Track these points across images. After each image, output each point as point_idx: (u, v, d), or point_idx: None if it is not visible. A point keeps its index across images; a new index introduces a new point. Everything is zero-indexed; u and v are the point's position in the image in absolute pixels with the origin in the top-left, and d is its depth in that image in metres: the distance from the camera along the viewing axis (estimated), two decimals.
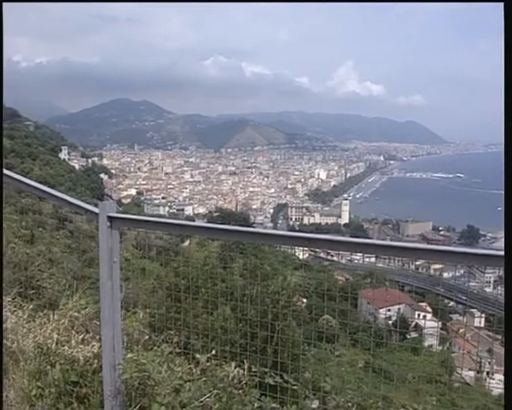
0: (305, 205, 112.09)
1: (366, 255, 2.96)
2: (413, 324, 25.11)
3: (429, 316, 24.17)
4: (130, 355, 3.28)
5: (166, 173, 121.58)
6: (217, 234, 3.31)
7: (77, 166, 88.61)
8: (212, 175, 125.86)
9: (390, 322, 25.78)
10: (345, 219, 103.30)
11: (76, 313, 4.04)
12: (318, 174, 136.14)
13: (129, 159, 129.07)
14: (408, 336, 23.04)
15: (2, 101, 3.07)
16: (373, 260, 3.26)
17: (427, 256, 2.61)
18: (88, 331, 3.89)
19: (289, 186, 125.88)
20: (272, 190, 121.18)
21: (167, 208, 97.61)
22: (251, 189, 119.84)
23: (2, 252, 3.26)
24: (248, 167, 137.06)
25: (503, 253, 1.92)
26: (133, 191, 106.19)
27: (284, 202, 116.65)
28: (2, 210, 3.28)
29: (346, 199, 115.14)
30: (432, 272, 52.36)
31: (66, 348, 3.70)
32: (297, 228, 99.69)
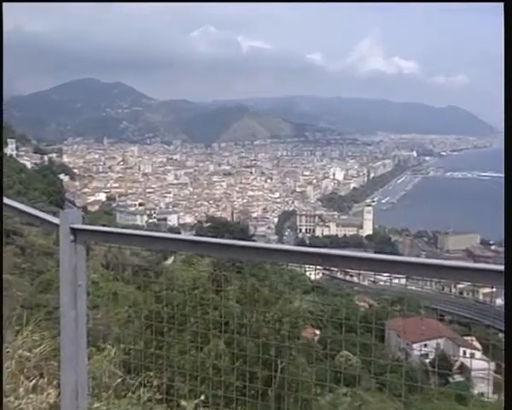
0: (317, 213, 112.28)
1: (395, 276, 2.97)
2: (457, 364, 25.05)
3: (478, 354, 23.30)
4: (97, 405, 3.23)
5: (145, 174, 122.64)
6: (208, 249, 3.33)
7: (28, 165, 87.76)
8: (201, 176, 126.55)
9: (427, 361, 25.39)
10: (367, 231, 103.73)
11: (27, 353, 3.89)
12: (334, 174, 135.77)
13: (97, 155, 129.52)
14: (451, 380, 22.97)
15: (1, 100, 3.32)
16: (404, 281, 3.27)
17: (474, 278, 2.61)
18: (42, 376, 3.77)
19: (298, 189, 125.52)
20: (277, 195, 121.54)
21: (146, 218, 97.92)
22: (250, 193, 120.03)
23: (1, 247, 3.36)
24: (247, 166, 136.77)
25: None
26: (102, 196, 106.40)
27: (292, 208, 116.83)
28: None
29: (369, 205, 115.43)
30: (480, 297, 52.25)
31: (11, 399, 3.51)
32: (307, 241, 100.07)
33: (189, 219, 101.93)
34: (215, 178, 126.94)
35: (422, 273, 2.87)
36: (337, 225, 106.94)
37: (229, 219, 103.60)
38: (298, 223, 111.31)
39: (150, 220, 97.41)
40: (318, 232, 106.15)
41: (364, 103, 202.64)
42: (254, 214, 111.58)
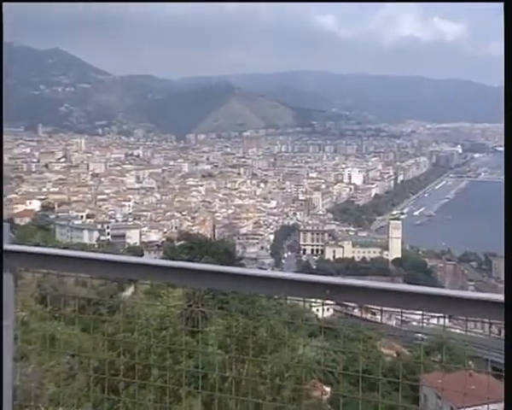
0: (327, 228, 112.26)
1: (431, 314, 3.00)
2: None
3: None
4: None
5: (95, 175, 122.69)
6: (180, 277, 3.36)
7: None
8: (172, 178, 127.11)
9: None
10: (395, 253, 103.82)
11: None
12: (350, 177, 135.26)
13: (28, 149, 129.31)
14: None
15: (2, 101, 3.73)
16: (443, 321, 3.29)
17: None
18: None
19: (301, 197, 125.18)
20: (273, 204, 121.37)
21: (96, 234, 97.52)
22: (238, 201, 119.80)
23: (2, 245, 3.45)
24: (234, 166, 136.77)
25: None
26: (36, 205, 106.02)
27: (293, 222, 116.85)
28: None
29: (398, 218, 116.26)
30: None
31: None
32: (314, 267, 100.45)
33: (155, 237, 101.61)
34: (191, 182, 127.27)
35: (469, 311, 2.89)
36: (354, 245, 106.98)
37: (209, 236, 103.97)
38: (301, 242, 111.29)
39: (103, 238, 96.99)
40: (329, 255, 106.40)
41: (392, 82, 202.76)
42: (243, 230, 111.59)
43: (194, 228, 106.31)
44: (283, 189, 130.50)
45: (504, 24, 2.61)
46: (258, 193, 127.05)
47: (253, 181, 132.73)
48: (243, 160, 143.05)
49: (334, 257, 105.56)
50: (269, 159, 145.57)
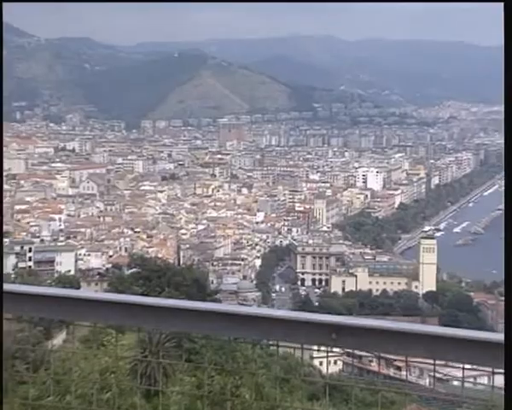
0: (334, 251, 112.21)
1: (480, 369, 3.04)
2: None
3: None
4: None
5: (12, 176, 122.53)
6: (132, 317, 3.34)
7: None
8: (121, 181, 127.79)
9: None
10: (428, 284, 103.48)
11: None
12: (365, 179, 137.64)
13: None
14: None
15: (2, 101, 4.22)
16: (498, 380, 3.35)
17: None
18: None
19: (298, 207, 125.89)
20: (260, 217, 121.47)
21: (14, 259, 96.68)
22: (211, 213, 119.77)
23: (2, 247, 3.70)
24: (206, 164, 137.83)
25: None
26: None
27: (287, 242, 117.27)
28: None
29: (432, 237, 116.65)
30: None
31: None
32: (316, 303, 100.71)
33: (96, 262, 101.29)
34: (147, 186, 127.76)
35: None
36: (371, 274, 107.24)
37: (172, 261, 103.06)
38: (299, 269, 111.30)
39: (22, 264, 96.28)
40: (336, 286, 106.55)
41: (422, 49, 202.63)
42: (219, 253, 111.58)
43: (151, 250, 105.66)
44: (274, 196, 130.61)
45: (504, 24, 3.14)
46: (239, 202, 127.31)
47: (233, 185, 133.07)
48: (219, 156, 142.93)
49: (343, 290, 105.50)
50: (254, 155, 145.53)
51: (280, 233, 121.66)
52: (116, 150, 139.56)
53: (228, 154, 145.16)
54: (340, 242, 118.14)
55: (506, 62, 3.07)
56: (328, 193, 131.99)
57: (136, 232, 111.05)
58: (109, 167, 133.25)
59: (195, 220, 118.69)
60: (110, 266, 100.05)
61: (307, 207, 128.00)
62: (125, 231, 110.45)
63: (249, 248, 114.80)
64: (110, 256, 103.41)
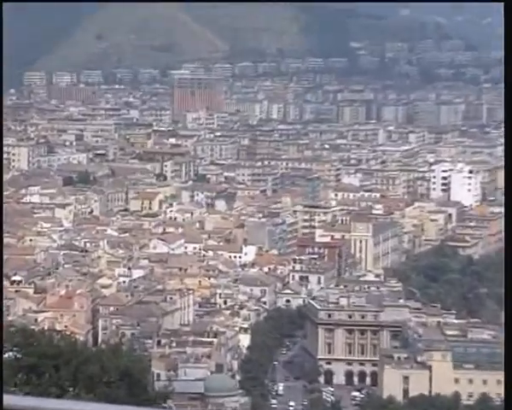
0: (388, 319, 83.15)
1: None
2: None
3: None
4: None
5: None
6: None
7: None
8: None
9: None
10: None
11: None
12: (447, 186, 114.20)
13: None
14: None
15: (2, 101, 3.55)
16: None
17: None
18: None
19: (320, 236, 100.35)
20: (250, 255, 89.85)
21: None
22: (157, 248, 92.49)
23: (2, 246, 3.27)
24: (148, 156, 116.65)
25: None
26: None
27: (299, 302, 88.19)
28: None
29: None
30: None
31: None
32: None
33: None
34: (35, 196, 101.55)
35: None
36: (458, 365, 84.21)
37: (81, 336, 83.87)
38: (321, 351, 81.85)
39: None
40: (392, 386, 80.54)
41: None
42: (171, 322, 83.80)
43: (42, 316, 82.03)
44: (275, 215, 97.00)
45: (504, 24, 3.64)
46: (209, 226, 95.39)
47: (199, 195, 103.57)
48: (172, 141, 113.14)
49: (405, 394, 79.60)
50: (238, 139, 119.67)
51: (286, 285, 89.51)
52: None
53: (190, 136, 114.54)
54: (401, 302, 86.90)
55: (506, 62, 3.65)
56: (376, 210, 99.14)
57: (14, 284, 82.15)
58: None
59: (127, 261, 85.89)
60: None
61: (337, 236, 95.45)
62: None
63: (228, 313, 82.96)
64: None
